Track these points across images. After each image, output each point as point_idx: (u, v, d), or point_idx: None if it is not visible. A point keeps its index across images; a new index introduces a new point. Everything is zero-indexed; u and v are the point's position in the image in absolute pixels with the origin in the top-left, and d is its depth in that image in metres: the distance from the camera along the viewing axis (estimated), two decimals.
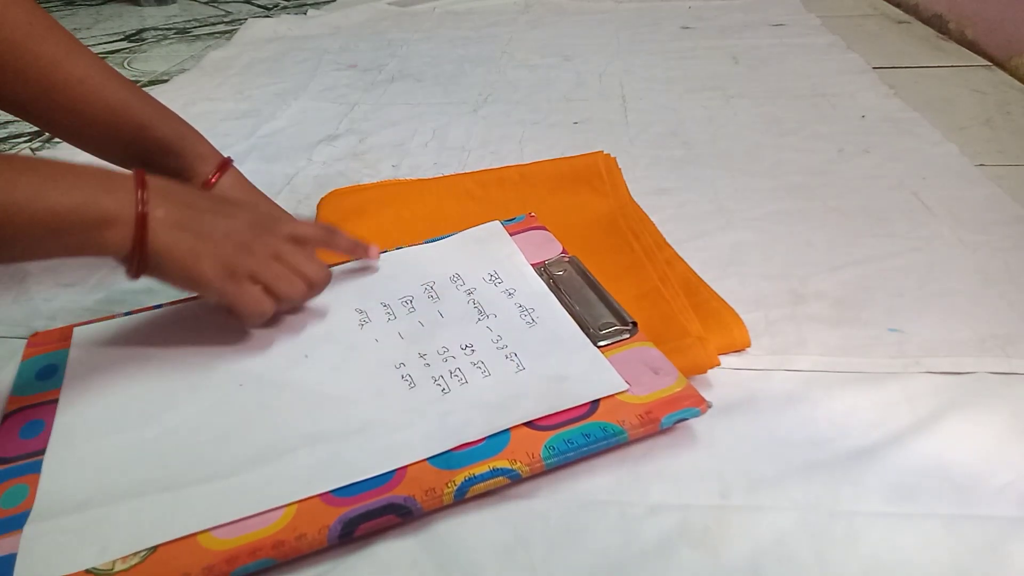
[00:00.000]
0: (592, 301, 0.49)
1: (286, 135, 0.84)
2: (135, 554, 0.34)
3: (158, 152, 0.54)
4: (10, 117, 0.53)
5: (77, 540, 0.35)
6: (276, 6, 1.47)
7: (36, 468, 0.39)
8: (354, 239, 0.52)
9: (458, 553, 0.36)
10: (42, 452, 0.40)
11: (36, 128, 0.74)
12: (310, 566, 0.36)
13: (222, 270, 0.42)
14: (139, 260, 0.41)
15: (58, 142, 0.71)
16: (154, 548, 0.35)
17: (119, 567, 0.34)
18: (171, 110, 0.55)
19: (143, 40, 1.28)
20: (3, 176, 0.37)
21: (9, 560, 0.34)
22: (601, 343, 0.45)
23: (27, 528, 0.36)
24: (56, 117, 0.52)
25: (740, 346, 0.47)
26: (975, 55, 0.97)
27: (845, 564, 0.34)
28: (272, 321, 0.47)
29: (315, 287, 0.48)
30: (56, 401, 0.44)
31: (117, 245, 0.40)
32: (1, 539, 0.35)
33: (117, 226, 0.39)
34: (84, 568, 0.34)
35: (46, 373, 0.46)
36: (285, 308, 0.47)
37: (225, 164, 0.56)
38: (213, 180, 0.55)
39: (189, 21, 1.39)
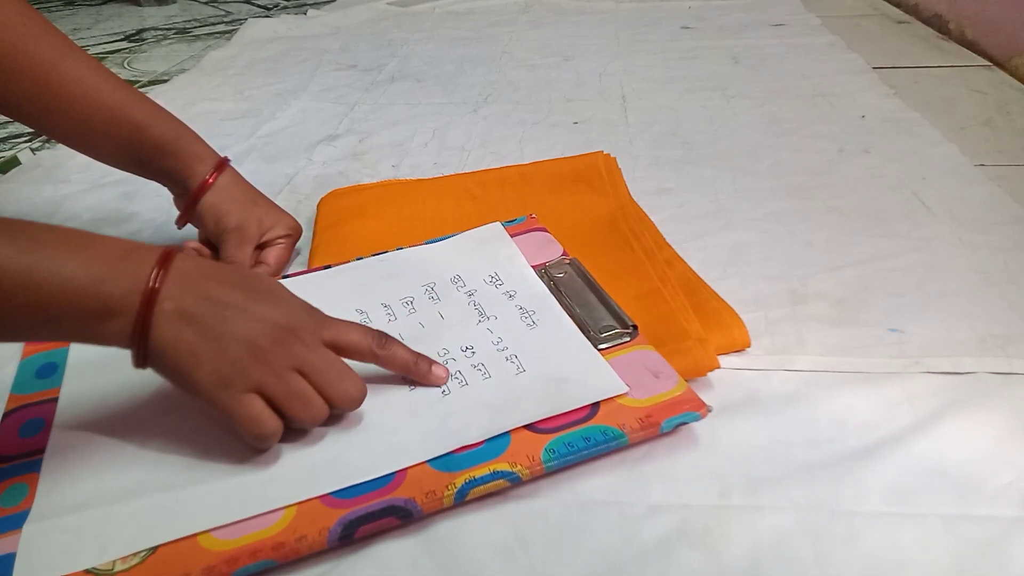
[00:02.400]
0: (593, 304, 0.49)
1: (286, 135, 0.84)
2: (135, 554, 0.34)
3: (155, 152, 0.54)
4: (9, 118, 0.53)
5: (77, 540, 0.35)
6: (276, 6, 1.47)
7: (36, 467, 0.39)
8: (413, 353, 0.42)
9: (458, 553, 0.36)
10: (42, 451, 0.40)
11: None
12: (310, 566, 0.36)
13: (220, 379, 0.36)
14: (141, 353, 0.36)
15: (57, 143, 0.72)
16: (154, 548, 0.35)
17: (119, 567, 0.34)
18: (167, 110, 0.55)
19: (143, 40, 1.28)
20: None
21: (8, 559, 0.34)
22: (601, 346, 0.45)
23: (26, 527, 0.36)
24: (51, 118, 0.52)
25: (740, 346, 0.47)
26: (975, 55, 0.97)
27: (845, 564, 0.34)
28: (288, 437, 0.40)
29: (341, 411, 0.40)
30: (56, 400, 0.44)
31: (116, 338, 0.36)
32: (1, 538, 0.35)
33: (119, 317, 0.35)
34: (84, 568, 0.34)
35: (46, 372, 0.46)
36: (297, 429, 0.40)
37: (222, 164, 0.56)
38: (210, 180, 0.55)
39: (189, 21, 1.39)
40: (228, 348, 0.37)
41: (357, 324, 0.42)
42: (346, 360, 0.40)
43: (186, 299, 0.36)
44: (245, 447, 0.39)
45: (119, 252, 0.36)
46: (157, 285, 0.36)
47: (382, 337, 0.42)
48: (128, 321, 0.35)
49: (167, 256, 0.37)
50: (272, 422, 0.38)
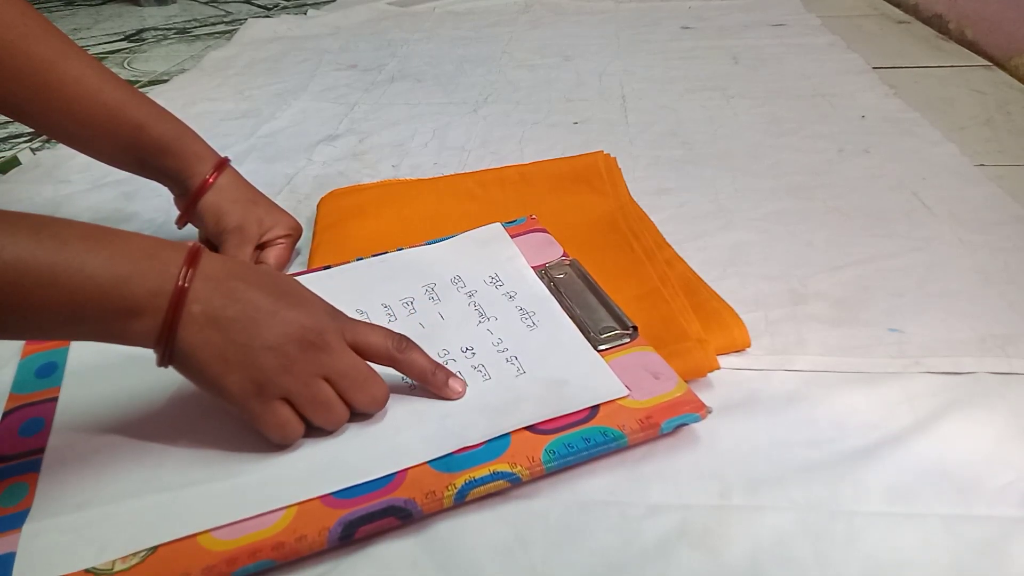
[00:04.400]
0: (593, 305, 0.48)
1: (286, 135, 0.84)
2: (135, 554, 0.34)
3: (155, 152, 0.54)
4: (9, 118, 0.53)
5: (76, 539, 0.35)
6: (276, 6, 1.47)
7: (35, 466, 0.39)
8: (432, 363, 0.42)
9: (458, 553, 0.36)
10: (41, 450, 0.40)
11: None
12: (310, 566, 0.36)
13: (251, 385, 0.37)
14: (166, 354, 0.36)
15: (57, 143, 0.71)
16: (154, 548, 0.35)
17: (119, 567, 0.34)
18: (167, 110, 0.55)
19: (143, 40, 1.28)
20: (20, 242, 0.32)
21: (8, 559, 0.34)
22: (601, 347, 0.45)
23: (26, 527, 0.36)
24: (52, 118, 0.52)
25: (740, 346, 0.47)
26: (975, 55, 0.97)
27: (845, 564, 0.34)
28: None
29: (365, 412, 0.41)
30: (56, 399, 0.44)
31: (141, 338, 0.35)
32: (0, 538, 0.35)
33: (144, 317, 0.35)
34: (83, 568, 0.34)
35: (46, 371, 0.46)
36: (321, 432, 0.40)
37: (222, 164, 0.56)
38: (210, 180, 0.55)
39: (189, 21, 1.39)
40: (258, 356, 0.36)
41: (379, 326, 0.42)
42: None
43: (214, 301, 0.36)
44: (245, 447, 0.40)
45: (145, 250, 0.35)
46: (186, 285, 0.35)
47: (403, 341, 0.41)
48: (155, 322, 0.35)
49: (194, 255, 0.36)
50: (298, 427, 0.39)
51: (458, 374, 0.43)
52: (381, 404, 0.41)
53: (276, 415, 0.38)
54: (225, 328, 0.36)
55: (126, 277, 0.34)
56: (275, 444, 0.39)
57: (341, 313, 0.41)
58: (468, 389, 0.43)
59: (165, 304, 0.35)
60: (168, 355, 0.36)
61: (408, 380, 0.43)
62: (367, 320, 0.48)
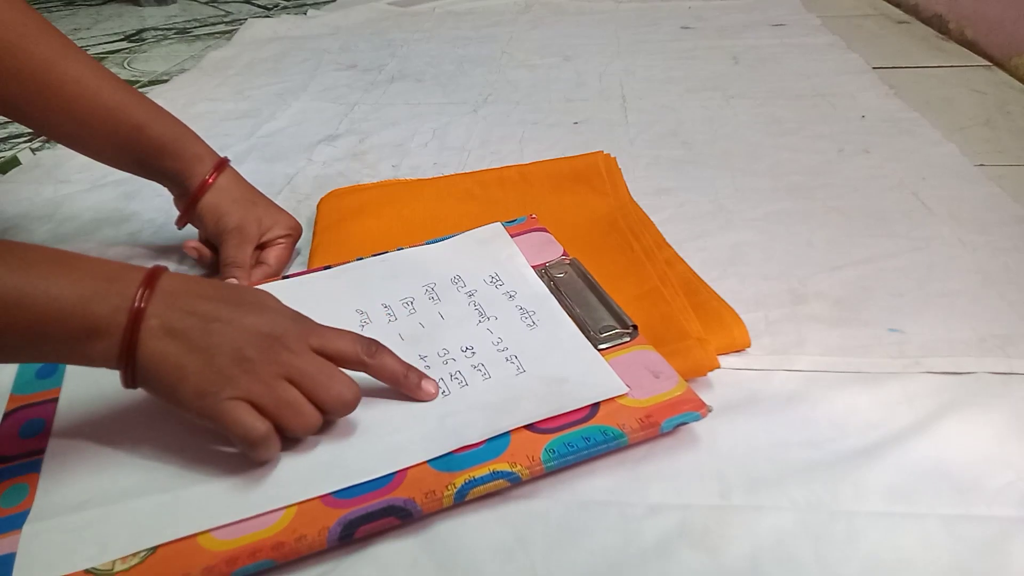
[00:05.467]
0: (593, 304, 0.49)
1: (286, 135, 0.84)
2: (135, 554, 0.34)
3: (154, 153, 0.54)
4: (8, 118, 0.53)
5: (76, 540, 0.35)
6: (276, 6, 1.47)
7: (36, 467, 0.39)
8: (404, 364, 0.41)
9: (458, 553, 0.36)
10: (42, 451, 0.40)
11: None
12: (310, 566, 0.36)
13: (206, 389, 0.36)
14: (129, 373, 0.36)
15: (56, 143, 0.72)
16: (154, 548, 0.35)
17: (119, 567, 0.34)
18: (167, 111, 0.55)
19: (143, 40, 1.28)
20: None
21: (8, 560, 0.34)
22: (601, 346, 0.45)
23: (26, 527, 0.36)
24: (51, 119, 0.52)
25: (740, 346, 0.47)
26: (975, 55, 0.97)
27: (845, 564, 0.34)
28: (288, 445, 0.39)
29: (335, 415, 0.40)
30: (56, 400, 0.44)
31: (105, 356, 0.36)
32: (0, 538, 0.35)
33: (105, 337, 0.35)
34: (83, 568, 0.34)
35: (46, 372, 0.46)
36: (293, 437, 0.39)
37: (222, 164, 0.56)
38: (210, 180, 0.55)
39: (189, 21, 1.39)
40: (214, 359, 0.36)
41: (347, 331, 0.41)
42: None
43: (171, 315, 0.36)
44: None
45: (106, 273, 0.36)
46: (143, 304, 0.36)
47: (372, 345, 0.41)
48: (115, 340, 0.35)
49: (153, 275, 0.37)
50: (261, 424, 0.37)
51: (458, 373, 0.44)
52: (351, 404, 0.39)
53: (233, 412, 0.36)
54: (182, 338, 0.36)
55: (89, 298, 0.35)
56: (248, 454, 0.38)
57: (307, 319, 0.41)
58: (468, 389, 0.43)
59: (124, 321, 0.35)
60: (131, 373, 0.36)
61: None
62: (367, 321, 0.48)
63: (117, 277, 0.36)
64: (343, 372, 0.39)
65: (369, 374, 0.41)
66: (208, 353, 0.36)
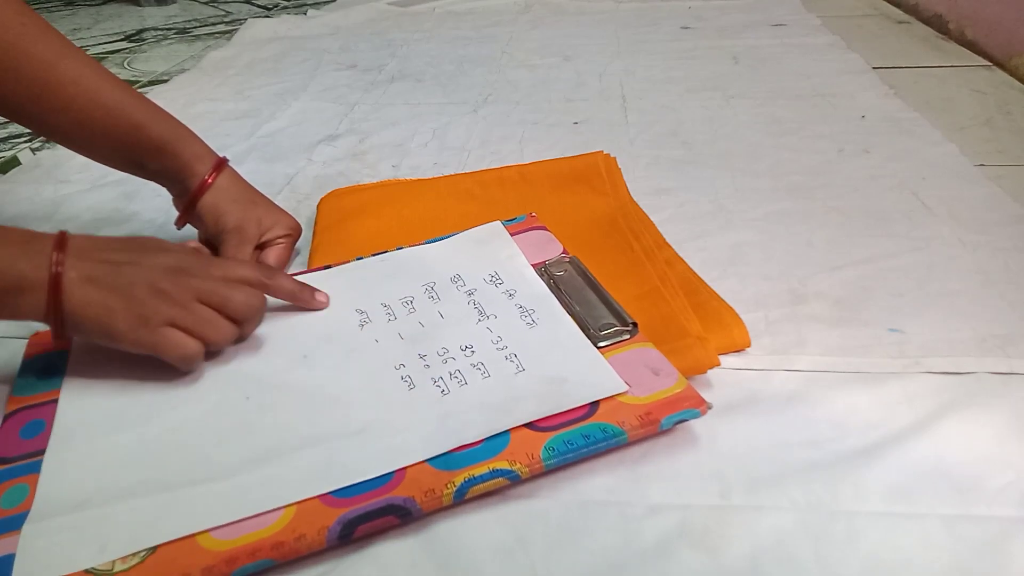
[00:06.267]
0: (592, 302, 0.49)
1: (286, 135, 0.84)
2: (135, 554, 0.34)
3: (153, 153, 0.54)
4: (7, 118, 0.53)
5: (76, 540, 0.35)
6: (276, 6, 1.47)
7: (36, 468, 0.39)
8: (298, 283, 0.49)
9: (458, 553, 0.36)
10: (42, 452, 0.40)
11: None
12: (310, 566, 0.36)
13: (136, 321, 0.41)
14: (58, 322, 0.41)
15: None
16: (154, 548, 0.35)
17: (119, 567, 0.34)
18: (166, 111, 0.55)
19: (143, 40, 1.28)
20: None
21: (8, 560, 0.34)
22: (601, 344, 0.45)
23: (26, 528, 0.36)
24: (50, 119, 0.52)
25: (740, 346, 0.47)
26: (975, 55, 0.97)
27: (845, 564, 0.34)
28: (269, 329, 0.46)
29: (247, 323, 0.46)
30: (56, 401, 0.44)
31: (33, 309, 0.40)
32: (0, 539, 0.35)
33: (32, 291, 0.40)
34: (83, 568, 0.34)
35: (46, 373, 0.46)
36: (217, 349, 0.45)
37: (221, 164, 0.56)
38: (209, 180, 0.55)
39: (189, 21, 1.39)
40: (135, 293, 0.42)
41: (246, 261, 0.49)
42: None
43: (86, 266, 0.41)
44: (244, 448, 0.40)
45: (23, 236, 0.41)
46: (59, 264, 0.40)
47: (269, 269, 0.49)
48: (41, 294, 0.40)
49: (62, 238, 0.42)
50: (192, 343, 0.43)
51: (458, 372, 0.44)
52: (259, 309, 0.46)
53: (168, 336, 0.42)
54: (101, 283, 0.41)
55: (16, 256, 0.40)
56: (179, 367, 0.43)
57: (207, 254, 0.49)
58: (468, 388, 0.43)
59: (46, 276, 0.40)
60: (60, 323, 0.41)
61: (407, 380, 0.43)
62: (367, 321, 0.49)
63: (32, 241, 0.41)
64: (246, 286, 0.46)
65: (269, 294, 0.48)
66: (128, 291, 0.41)
